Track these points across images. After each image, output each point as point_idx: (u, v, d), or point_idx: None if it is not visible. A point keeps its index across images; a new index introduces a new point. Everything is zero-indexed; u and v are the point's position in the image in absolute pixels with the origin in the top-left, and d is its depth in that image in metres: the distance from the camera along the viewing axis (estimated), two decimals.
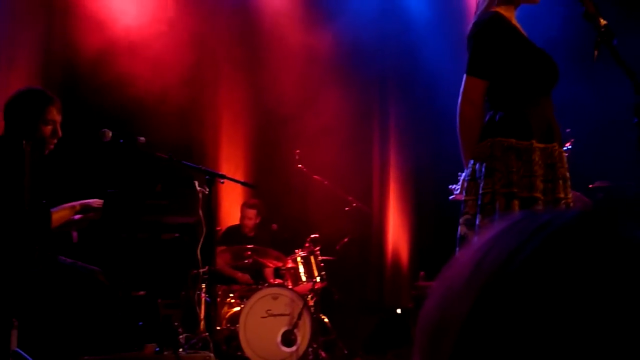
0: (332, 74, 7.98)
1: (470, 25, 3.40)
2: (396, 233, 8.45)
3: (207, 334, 5.06)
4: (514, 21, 3.41)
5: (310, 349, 5.91)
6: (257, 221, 7.11)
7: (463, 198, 3.30)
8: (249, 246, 6.57)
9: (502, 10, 3.35)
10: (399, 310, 7.31)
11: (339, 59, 8.04)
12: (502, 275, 0.60)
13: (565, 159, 3.31)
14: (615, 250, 0.60)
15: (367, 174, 8.45)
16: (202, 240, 4.62)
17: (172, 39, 7.31)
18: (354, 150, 8.05)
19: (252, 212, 7.05)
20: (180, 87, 7.33)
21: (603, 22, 3.05)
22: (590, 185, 5.95)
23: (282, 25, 8.02)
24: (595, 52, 3.04)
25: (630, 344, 0.56)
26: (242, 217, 7.12)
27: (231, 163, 7.89)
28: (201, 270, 5.12)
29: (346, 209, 7.26)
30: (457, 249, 3.25)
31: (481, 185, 3.19)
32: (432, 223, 7.98)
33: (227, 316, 6.17)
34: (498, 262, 0.61)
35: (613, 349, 0.56)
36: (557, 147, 3.28)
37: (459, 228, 3.26)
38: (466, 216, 3.24)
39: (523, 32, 3.42)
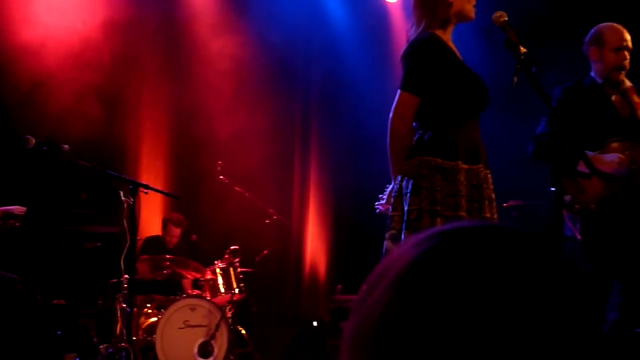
0: (255, 86, 8.02)
1: (406, 45, 3.47)
2: (314, 246, 8.54)
3: (125, 344, 5.01)
4: (450, 43, 3.50)
5: None
6: (180, 237, 7.09)
7: (390, 213, 3.38)
8: (168, 257, 6.52)
9: (439, 32, 3.44)
10: (315, 323, 7.37)
11: (263, 71, 8.08)
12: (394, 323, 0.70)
13: (490, 180, 3.41)
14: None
15: (288, 187, 8.52)
16: (126, 249, 4.59)
17: (95, 45, 7.22)
18: (275, 162, 8.10)
19: (178, 231, 7.02)
20: (101, 94, 7.24)
21: (523, 49, 3.20)
22: (505, 204, 6.17)
23: (205, 36, 8.02)
24: (515, 79, 3.18)
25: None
26: (167, 233, 7.03)
27: (151, 172, 7.81)
28: (122, 279, 5.08)
29: (266, 221, 7.32)
30: None
31: (407, 201, 3.26)
32: (350, 237, 8.10)
33: (144, 326, 6.09)
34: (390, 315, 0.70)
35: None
36: (482, 169, 3.37)
37: (385, 243, 3.32)
38: (392, 231, 3.30)
39: (459, 55, 3.51)
